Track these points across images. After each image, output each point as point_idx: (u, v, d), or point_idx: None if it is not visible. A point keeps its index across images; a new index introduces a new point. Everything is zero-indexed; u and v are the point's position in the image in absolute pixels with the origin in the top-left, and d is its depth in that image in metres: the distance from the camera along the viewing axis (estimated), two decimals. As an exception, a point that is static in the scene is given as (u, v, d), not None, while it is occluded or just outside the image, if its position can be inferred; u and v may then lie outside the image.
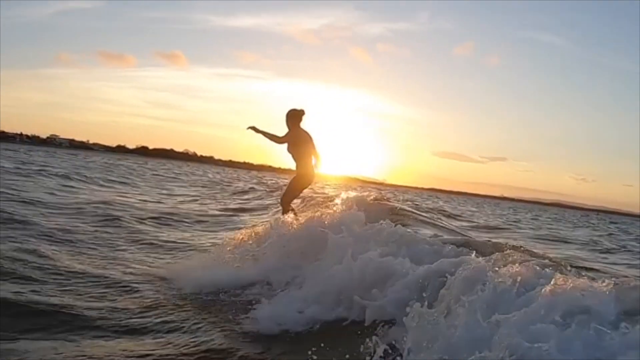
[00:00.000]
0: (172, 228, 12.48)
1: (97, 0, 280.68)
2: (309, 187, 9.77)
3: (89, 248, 8.71)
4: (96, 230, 10.46)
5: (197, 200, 22.31)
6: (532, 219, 43.94)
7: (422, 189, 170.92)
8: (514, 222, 32.76)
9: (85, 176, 27.06)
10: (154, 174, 43.56)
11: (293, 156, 9.03)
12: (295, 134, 8.89)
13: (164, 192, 25.14)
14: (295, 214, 8.90)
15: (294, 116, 8.96)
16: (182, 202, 19.88)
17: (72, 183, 22.25)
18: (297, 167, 9.08)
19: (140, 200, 18.31)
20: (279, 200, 9.77)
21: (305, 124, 9.03)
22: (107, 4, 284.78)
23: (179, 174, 52.71)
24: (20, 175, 21.78)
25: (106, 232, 10.35)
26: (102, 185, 23.70)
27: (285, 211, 9.10)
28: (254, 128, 8.81)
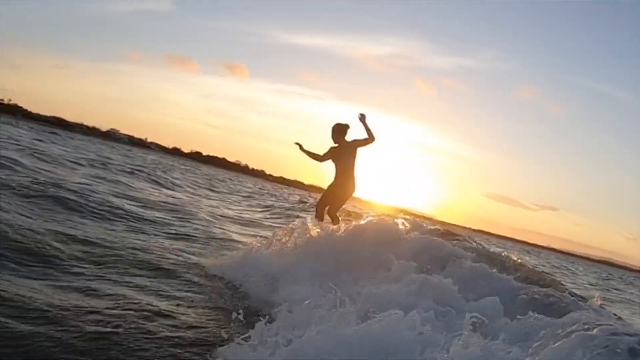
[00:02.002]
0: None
1: (170, 4, 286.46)
2: (349, 199, 10.21)
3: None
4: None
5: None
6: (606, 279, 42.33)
7: (471, 229, 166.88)
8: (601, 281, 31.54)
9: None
10: (225, 183, 44.52)
11: (336, 167, 9.63)
12: (338, 150, 9.52)
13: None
14: (322, 219, 9.66)
15: (339, 130, 9.53)
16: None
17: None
18: (338, 177, 9.64)
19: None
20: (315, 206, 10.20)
21: (350, 137, 9.56)
22: (180, 9, 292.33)
23: (240, 183, 52.95)
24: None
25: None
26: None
27: (319, 216, 9.73)
28: (299, 145, 9.67)
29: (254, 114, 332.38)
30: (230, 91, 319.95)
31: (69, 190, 11.40)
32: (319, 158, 9.67)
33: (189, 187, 26.39)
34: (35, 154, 18.92)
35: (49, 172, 14.28)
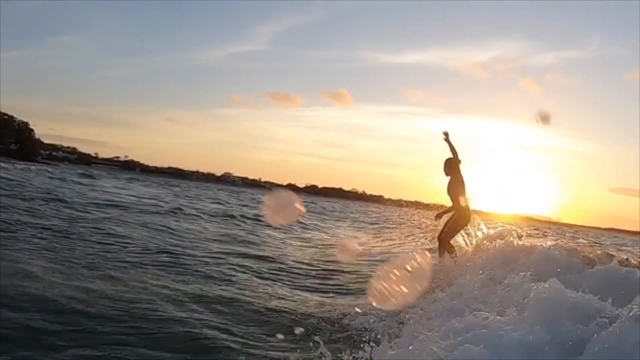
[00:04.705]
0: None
1: (265, 42, 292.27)
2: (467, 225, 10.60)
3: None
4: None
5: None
6: None
7: (600, 228, 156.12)
8: None
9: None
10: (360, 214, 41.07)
11: (452, 197, 10.11)
12: (454, 177, 10.00)
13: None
14: (454, 255, 9.70)
15: (453, 164, 10.02)
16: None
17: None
18: (456, 207, 10.08)
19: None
20: (438, 239, 10.38)
21: (463, 170, 10.12)
22: (274, 46, 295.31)
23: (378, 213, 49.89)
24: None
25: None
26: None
27: (446, 249, 9.84)
28: (446, 134, 9.91)
29: (365, 139, 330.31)
30: (336, 120, 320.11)
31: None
32: (457, 155, 10.00)
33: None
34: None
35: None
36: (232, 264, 8.69)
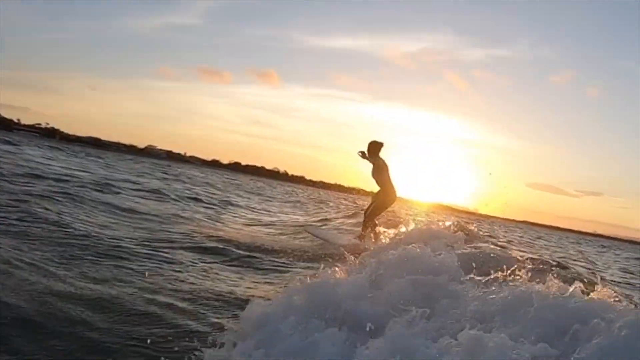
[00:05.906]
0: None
1: (199, 16, 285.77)
2: (391, 207, 11.20)
3: None
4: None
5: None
6: None
7: (515, 220, 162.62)
8: None
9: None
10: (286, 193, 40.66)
11: (377, 181, 10.63)
12: (377, 162, 10.45)
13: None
14: (376, 231, 10.59)
15: (375, 147, 10.51)
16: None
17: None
18: (381, 190, 10.66)
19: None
20: (364, 213, 11.03)
21: (384, 154, 10.63)
22: (208, 21, 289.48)
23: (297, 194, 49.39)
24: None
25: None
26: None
27: (368, 227, 10.58)
28: (362, 153, 10.34)
29: (291, 119, 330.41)
30: (263, 99, 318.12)
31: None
32: (375, 161, 10.49)
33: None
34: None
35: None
36: (199, 252, 7.98)
